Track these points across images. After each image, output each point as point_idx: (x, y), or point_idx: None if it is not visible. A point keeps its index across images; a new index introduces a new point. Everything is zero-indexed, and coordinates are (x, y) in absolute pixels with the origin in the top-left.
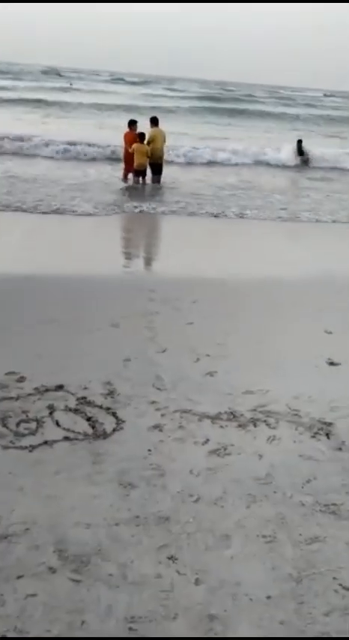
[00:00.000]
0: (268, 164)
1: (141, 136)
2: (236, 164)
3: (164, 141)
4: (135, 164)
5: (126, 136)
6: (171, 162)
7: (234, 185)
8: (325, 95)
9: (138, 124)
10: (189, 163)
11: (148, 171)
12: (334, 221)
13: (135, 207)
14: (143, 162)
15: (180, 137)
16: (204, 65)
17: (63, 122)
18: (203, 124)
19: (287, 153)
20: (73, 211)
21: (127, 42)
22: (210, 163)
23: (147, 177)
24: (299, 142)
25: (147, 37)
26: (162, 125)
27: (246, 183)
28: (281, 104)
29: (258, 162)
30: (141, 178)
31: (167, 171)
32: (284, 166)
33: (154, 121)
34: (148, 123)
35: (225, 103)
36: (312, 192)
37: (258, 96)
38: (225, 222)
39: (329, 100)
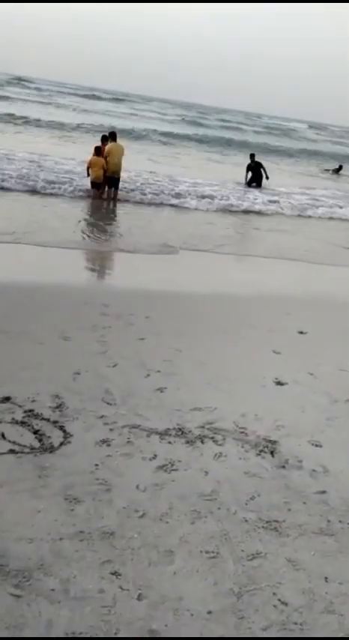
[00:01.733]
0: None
1: (98, 149)
2: None
3: (122, 154)
4: (91, 177)
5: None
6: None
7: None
8: (310, 127)
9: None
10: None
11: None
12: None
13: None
14: (99, 175)
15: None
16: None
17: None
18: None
19: None
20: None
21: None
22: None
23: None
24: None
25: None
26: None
27: None
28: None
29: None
30: (97, 191)
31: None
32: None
33: (112, 136)
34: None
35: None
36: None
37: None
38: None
39: (313, 133)
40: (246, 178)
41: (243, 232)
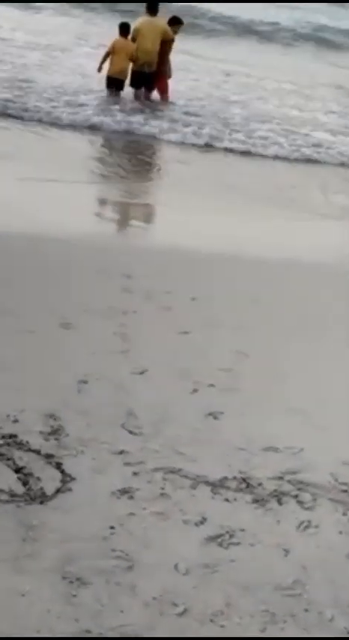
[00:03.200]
0: None
1: (125, 27)
2: None
3: (159, 37)
4: (109, 70)
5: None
6: None
7: None
8: None
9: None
10: None
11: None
12: None
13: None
14: (123, 67)
15: None
16: None
17: None
18: None
19: None
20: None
21: None
22: None
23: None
24: None
25: None
26: None
27: None
28: None
29: None
30: (115, 90)
31: None
32: None
33: (150, 8)
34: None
35: None
36: None
37: None
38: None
39: None
40: None
41: None
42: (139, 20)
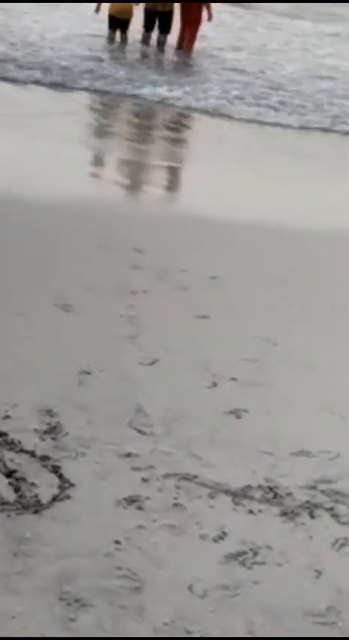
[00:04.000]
0: None
1: None
2: None
3: None
4: (110, 9)
5: None
6: None
7: None
8: None
9: None
10: None
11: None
12: None
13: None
14: (126, 7)
15: None
16: None
17: None
18: None
19: None
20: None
21: None
22: None
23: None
24: None
25: None
26: None
27: None
28: None
29: None
30: (120, 32)
31: None
32: None
33: None
34: None
35: None
36: None
37: None
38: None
39: None
40: None
41: None
42: None
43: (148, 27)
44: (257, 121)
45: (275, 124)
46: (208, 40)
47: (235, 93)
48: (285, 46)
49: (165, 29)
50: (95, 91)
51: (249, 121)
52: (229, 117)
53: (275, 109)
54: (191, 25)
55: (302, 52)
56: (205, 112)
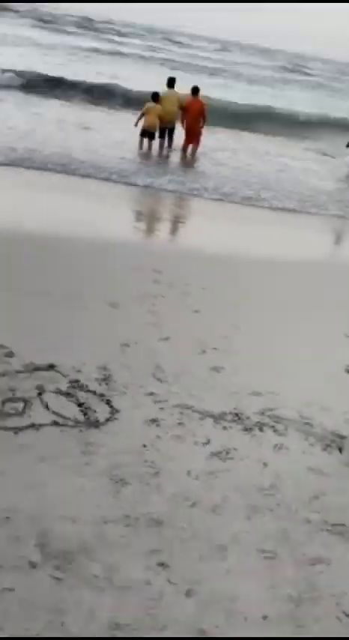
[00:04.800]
0: None
1: (155, 96)
2: None
3: (177, 104)
4: (143, 124)
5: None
6: None
7: None
8: None
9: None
10: None
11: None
12: None
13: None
14: (153, 123)
15: None
16: None
17: None
18: None
19: None
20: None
21: None
22: None
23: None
24: None
25: None
26: None
27: None
28: None
29: None
30: (148, 140)
31: None
32: None
33: (169, 82)
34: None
35: None
36: None
37: None
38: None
39: None
40: None
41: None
42: (163, 92)
43: (161, 135)
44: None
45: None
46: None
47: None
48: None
49: (171, 137)
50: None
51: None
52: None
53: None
54: (194, 138)
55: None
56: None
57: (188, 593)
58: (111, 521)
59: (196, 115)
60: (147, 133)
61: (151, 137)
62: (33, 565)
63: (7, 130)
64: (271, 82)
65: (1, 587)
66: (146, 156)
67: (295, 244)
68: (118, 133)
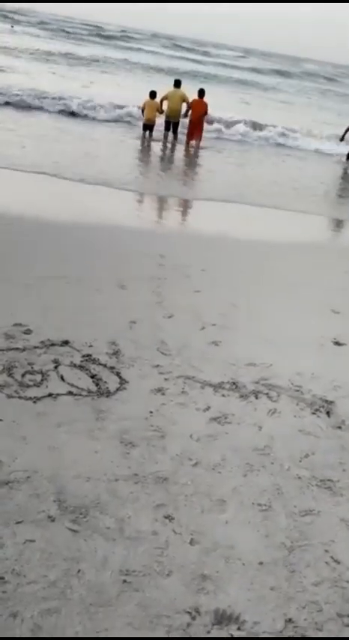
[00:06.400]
0: None
1: (152, 94)
2: None
3: (181, 102)
4: (143, 118)
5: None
6: None
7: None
8: None
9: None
10: None
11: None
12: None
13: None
14: (151, 117)
15: None
16: None
17: None
18: None
19: None
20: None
21: None
22: None
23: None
24: None
25: None
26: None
27: None
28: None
29: None
30: (148, 132)
31: None
32: None
33: (176, 83)
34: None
35: None
36: None
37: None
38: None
39: None
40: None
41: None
42: (168, 90)
43: (166, 128)
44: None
45: None
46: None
47: None
48: None
49: (175, 130)
50: None
51: None
52: None
53: None
54: (197, 133)
55: None
56: None
57: (191, 542)
58: (121, 479)
59: (200, 114)
60: (147, 127)
61: (151, 129)
62: (51, 519)
63: None
64: None
65: (23, 539)
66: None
67: (288, 228)
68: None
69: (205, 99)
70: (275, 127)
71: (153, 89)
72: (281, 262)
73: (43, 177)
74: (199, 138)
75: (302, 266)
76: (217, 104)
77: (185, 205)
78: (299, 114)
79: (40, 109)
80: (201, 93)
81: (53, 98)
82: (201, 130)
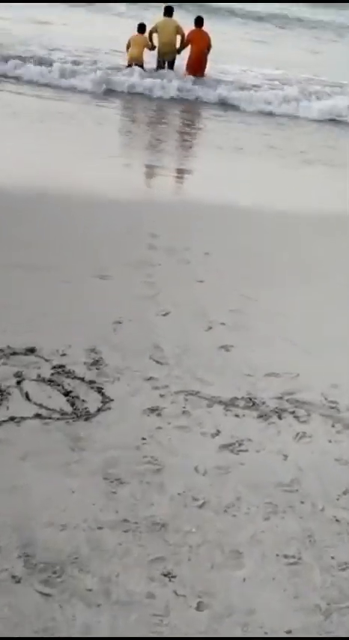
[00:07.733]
0: None
1: (142, 27)
2: None
3: (175, 33)
4: (127, 57)
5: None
6: None
7: None
8: None
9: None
10: None
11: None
12: None
13: None
14: (136, 54)
15: None
16: None
17: None
18: None
19: None
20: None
21: None
22: None
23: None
24: None
25: None
26: None
27: None
28: None
29: None
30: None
31: None
32: None
33: (166, 11)
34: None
35: None
36: None
37: None
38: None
39: None
40: None
41: None
42: (159, 21)
43: (159, 68)
44: None
45: None
46: None
47: None
48: None
49: (171, 67)
50: None
51: None
52: None
53: None
54: (199, 70)
55: None
56: None
57: (198, 607)
58: (106, 526)
59: (203, 48)
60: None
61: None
62: (16, 579)
63: None
64: None
65: None
66: None
67: (320, 191)
68: None
69: (204, 28)
70: None
71: (142, 22)
72: (309, 240)
73: None
74: (202, 75)
75: (336, 245)
76: None
77: (182, 162)
78: None
79: None
80: (200, 21)
81: None
82: (204, 67)
